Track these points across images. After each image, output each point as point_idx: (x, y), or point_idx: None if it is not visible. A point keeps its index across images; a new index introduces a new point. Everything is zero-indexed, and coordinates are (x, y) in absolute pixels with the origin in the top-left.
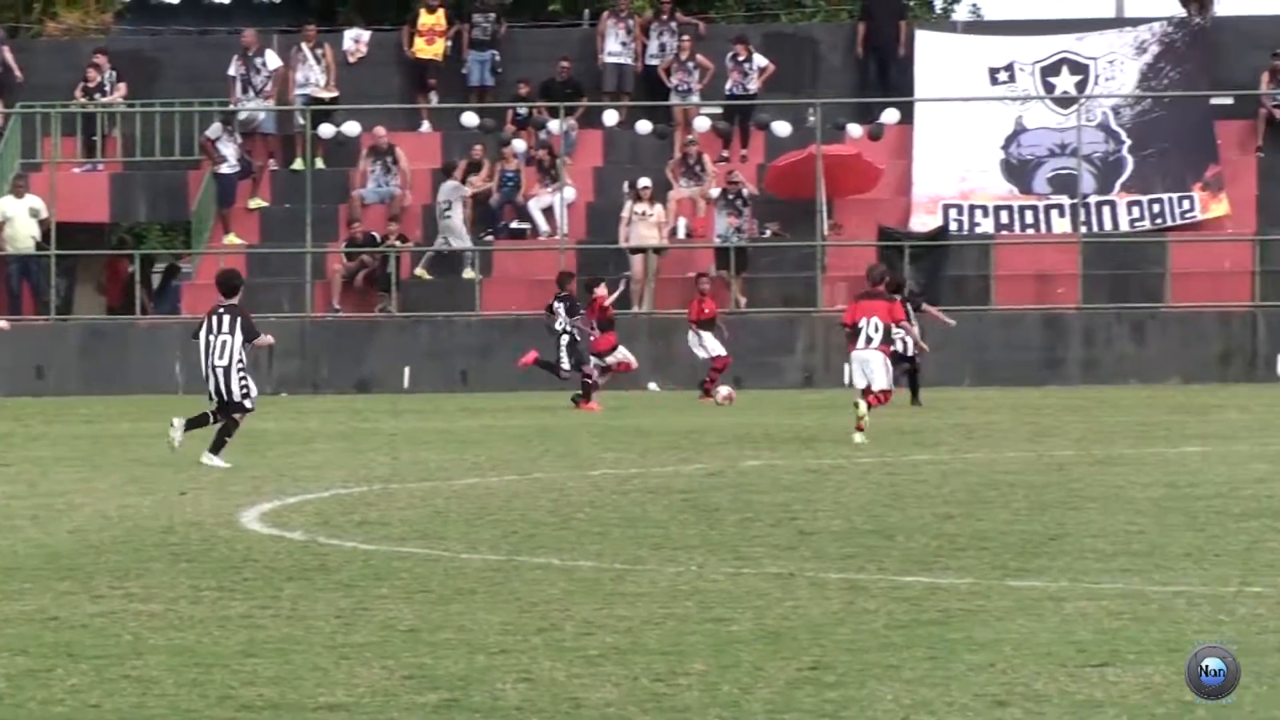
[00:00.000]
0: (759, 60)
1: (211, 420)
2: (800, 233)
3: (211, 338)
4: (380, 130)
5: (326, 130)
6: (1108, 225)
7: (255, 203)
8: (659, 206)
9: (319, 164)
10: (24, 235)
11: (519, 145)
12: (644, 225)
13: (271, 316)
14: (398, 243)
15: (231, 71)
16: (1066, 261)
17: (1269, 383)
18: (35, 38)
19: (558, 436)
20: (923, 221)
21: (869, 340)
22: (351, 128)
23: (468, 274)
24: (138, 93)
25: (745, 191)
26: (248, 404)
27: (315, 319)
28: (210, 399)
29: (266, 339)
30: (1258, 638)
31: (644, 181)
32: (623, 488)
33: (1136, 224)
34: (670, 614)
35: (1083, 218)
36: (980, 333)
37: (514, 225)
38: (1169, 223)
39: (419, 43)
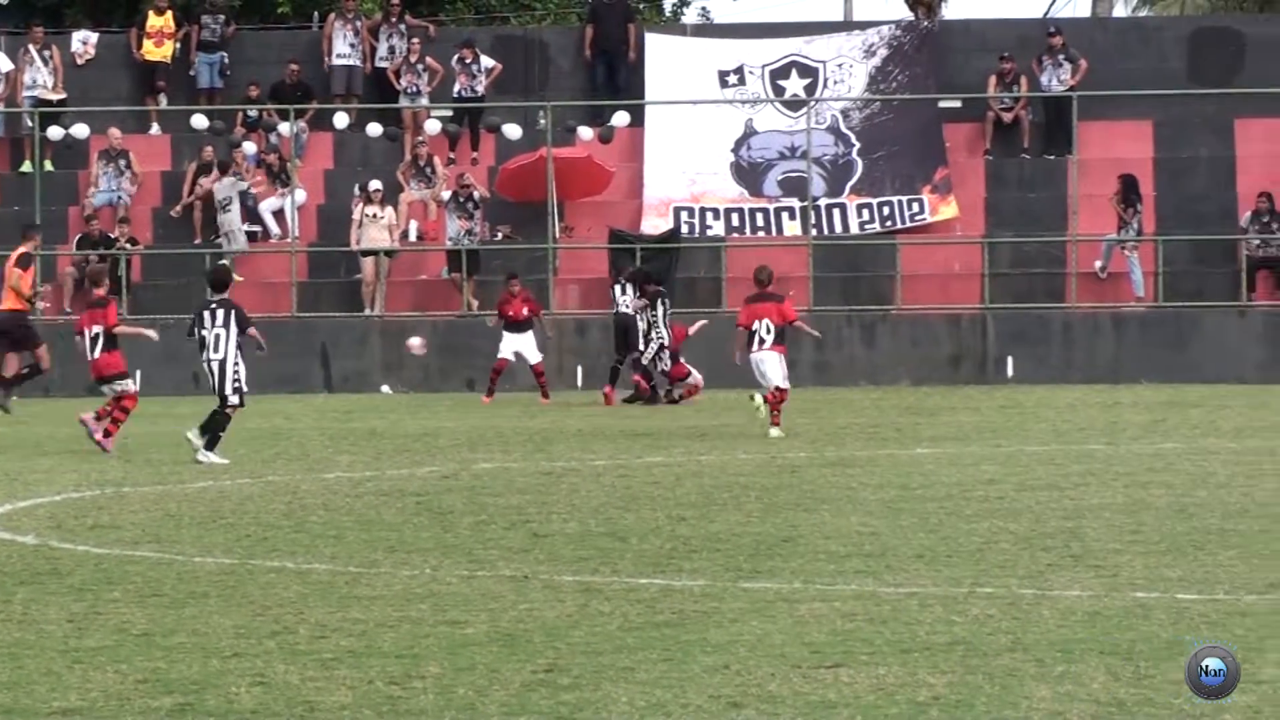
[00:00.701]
0: (486, 62)
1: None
2: (532, 235)
3: (206, 333)
4: (115, 133)
5: (55, 132)
6: (838, 228)
7: None
8: (390, 209)
9: (48, 166)
10: None
11: (249, 148)
12: (375, 228)
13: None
14: (128, 245)
15: None
16: (797, 263)
17: (999, 385)
18: None
19: (290, 439)
20: (654, 224)
21: (761, 342)
22: (81, 130)
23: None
24: None
25: (476, 194)
26: (235, 399)
27: (45, 322)
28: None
29: (256, 333)
30: (989, 638)
31: (374, 184)
32: (356, 490)
33: (866, 226)
34: (405, 617)
35: (813, 220)
36: (712, 335)
37: (246, 228)
38: (899, 225)
39: (147, 45)
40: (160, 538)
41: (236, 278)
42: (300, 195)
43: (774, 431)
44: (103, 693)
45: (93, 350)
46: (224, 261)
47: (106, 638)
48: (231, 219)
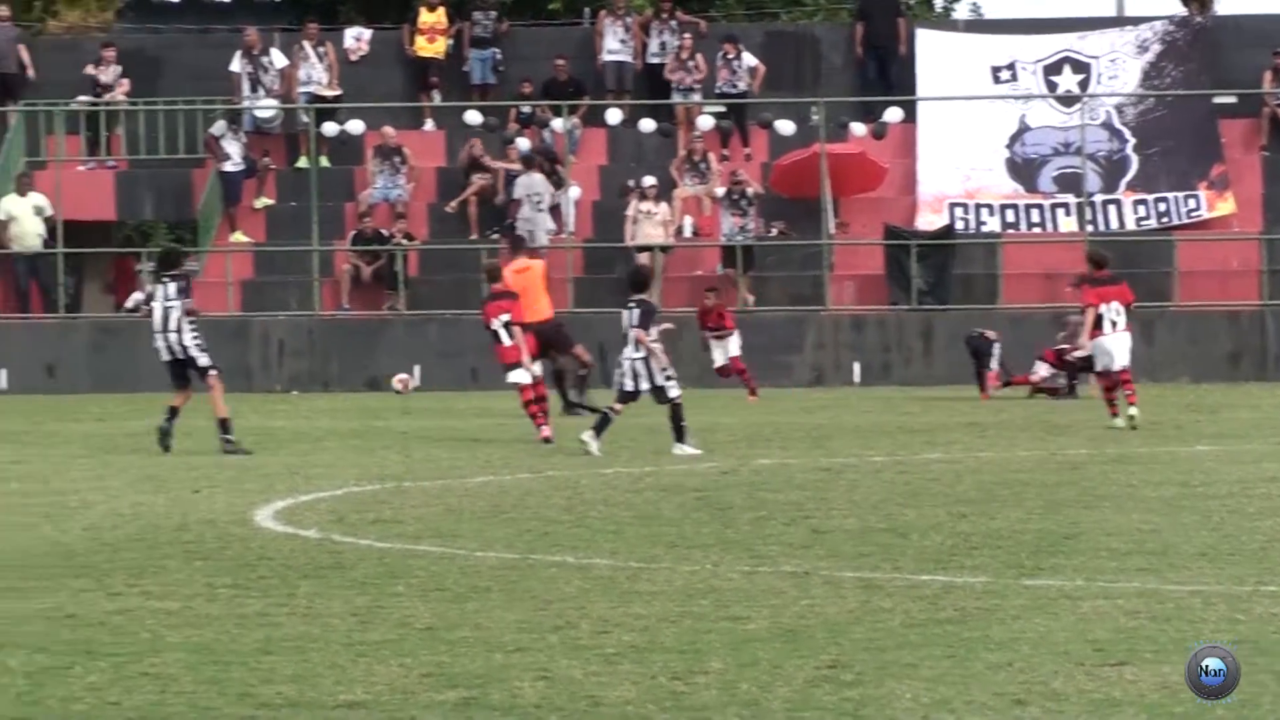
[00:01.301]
0: (748, 59)
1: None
2: (806, 231)
3: (156, 305)
4: (389, 130)
5: (330, 129)
6: (1114, 224)
7: (261, 201)
8: (664, 205)
9: (324, 162)
10: (30, 234)
11: (523, 144)
12: (650, 224)
13: (280, 314)
14: (405, 241)
15: (236, 68)
16: (1073, 260)
17: (1279, 382)
18: (36, 36)
19: (570, 435)
20: (928, 220)
21: (1113, 324)
22: (355, 126)
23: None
24: (141, 91)
25: (750, 190)
26: (675, 391)
27: (324, 317)
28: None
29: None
30: (1274, 637)
31: (649, 180)
32: (636, 486)
33: (1143, 223)
34: (687, 612)
35: (1089, 216)
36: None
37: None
38: (1175, 221)
39: (420, 41)
40: (442, 532)
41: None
42: (575, 192)
43: (1132, 410)
44: (387, 686)
45: (505, 338)
46: (643, 262)
47: (390, 632)
48: (536, 216)
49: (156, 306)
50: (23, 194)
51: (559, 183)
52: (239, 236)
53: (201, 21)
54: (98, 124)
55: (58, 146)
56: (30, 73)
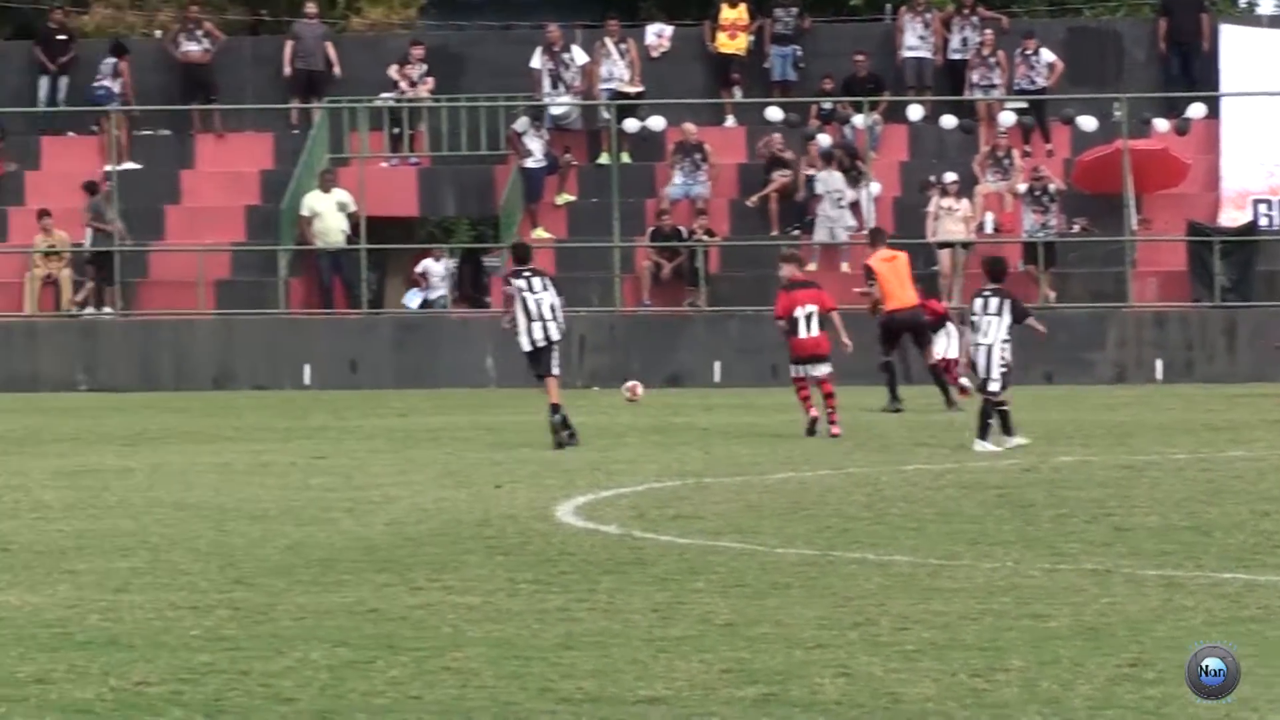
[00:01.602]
0: (1046, 55)
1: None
2: (1108, 227)
3: (977, 318)
4: (690, 126)
5: (631, 125)
6: None
7: (563, 198)
8: (965, 201)
9: (625, 158)
10: (334, 230)
11: (824, 140)
12: (951, 220)
13: (582, 310)
14: (705, 237)
15: (536, 65)
16: None
17: None
18: (340, 33)
19: (871, 432)
20: (1231, 217)
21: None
22: (656, 122)
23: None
24: (444, 87)
25: (1052, 186)
26: (996, 386)
27: (625, 313)
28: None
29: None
30: None
31: (950, 176)
32: (937, 483)
33: None
34: (987, 610)
35: None
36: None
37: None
38: None
39: (721, 37)
40: (742, 528)
41: (810, 267)
42: (875, 188)
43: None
44: (687, 682)
45: (805, 329)
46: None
47: (690, 627)
48: (836, 212)
49: (529, 298)
50: (326, 190)
51: (856, 179)
52: (540, 233)
53: (504, 18)
54: (401, 120)
55: (361, 143)
56: (336, 70)
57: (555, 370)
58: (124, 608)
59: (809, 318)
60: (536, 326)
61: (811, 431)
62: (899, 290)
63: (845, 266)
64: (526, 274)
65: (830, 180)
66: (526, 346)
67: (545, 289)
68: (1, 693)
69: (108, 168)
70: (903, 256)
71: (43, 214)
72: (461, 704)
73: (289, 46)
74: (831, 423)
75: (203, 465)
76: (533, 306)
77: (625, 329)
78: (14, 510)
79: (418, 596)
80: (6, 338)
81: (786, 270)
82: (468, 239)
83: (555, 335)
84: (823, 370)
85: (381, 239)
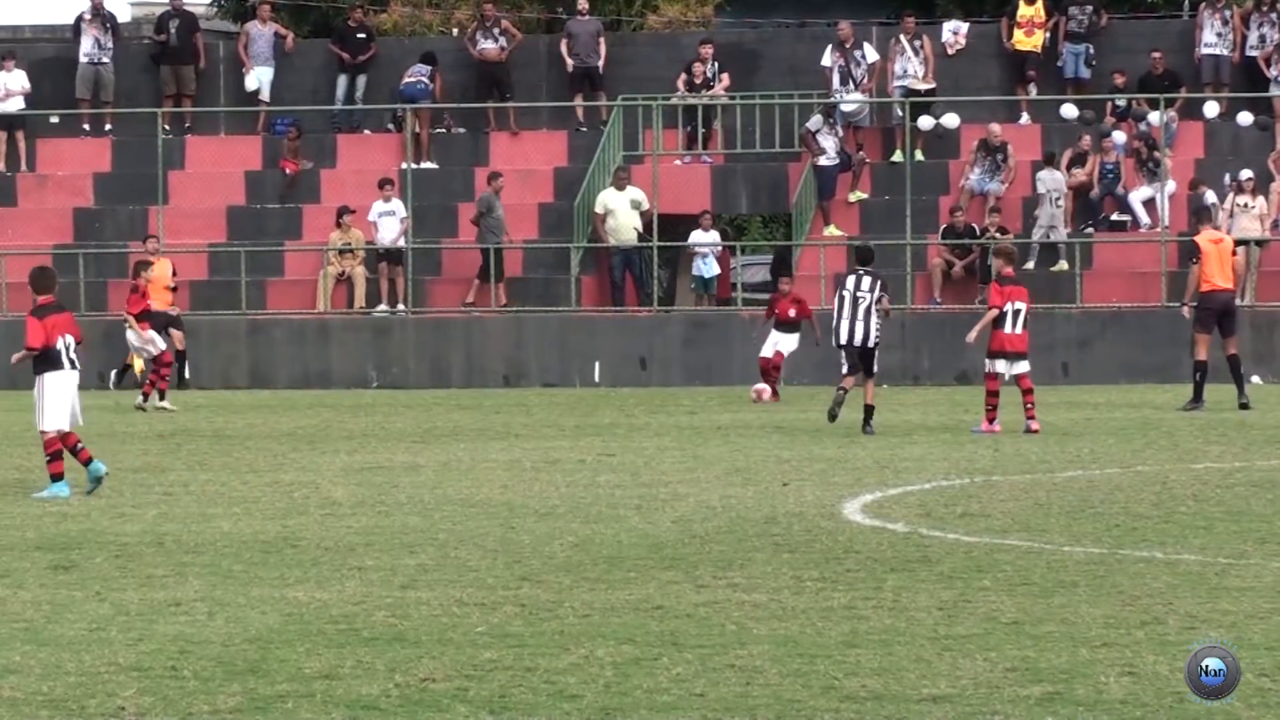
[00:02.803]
0: None
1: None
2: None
3: (847, 294)
4: (995, 128)
5: (925, 122)
6: None
7: (855, 195)
8: (1260, 198)
9: (918, 156)
10: (626, 227)
11: (1119, 137)
12: (1246, 217)
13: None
14: (998, 235)
15: (827, 62)
16: None
17: None
18: (636, 30)
19: (1160, 429)
20: None
21: None
22: (950, 120)
23: (1061, 266)
24: (738, 85)
25: None
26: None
27: (917, 311)
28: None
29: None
30: None
31: (1245, 173)
32: (1226, 481)
33: None
34: (1276, 609)
35: None
36: None
37: (1114, 218)
38: None
39: (1018, 34)
40: (1029, 526)
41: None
42: (1170, 185)
43: None
44: (972, 680)
45: (1011, 325)
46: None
47: (976, 625)
48: (1054, 210)
49: (847, 295)
50: (620, 188)
51: (1153, 175)
52: (832, 230)
53: (799, 15)
54: (695, 118)
55: (655, 141)
56: (602, 65)
57: (873, 370)
58: (410, 604)
59: (1017, 314)
60: (859, 325)
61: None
62: (1220, 271)
63: (1063, 265)
64: (860, 273)
65: (1050, 180)
66: (843, 340)
67: (872, 290)
68: (288, 688)
69: (404, 165)
70: (1229, 239)
71: (343, 211)
72: (745, 701)
73: (564, 44)
74: (1030, 418)
75: (491, 462)
76: (849, 308)
77: (915, 327)
78: (303, 506)
79: (703, 594)
80: (300, 335)
81: (998, 265)
82: (759, 236)
83: (871, 341)
84: (1022, 367)
85: (673, 236)
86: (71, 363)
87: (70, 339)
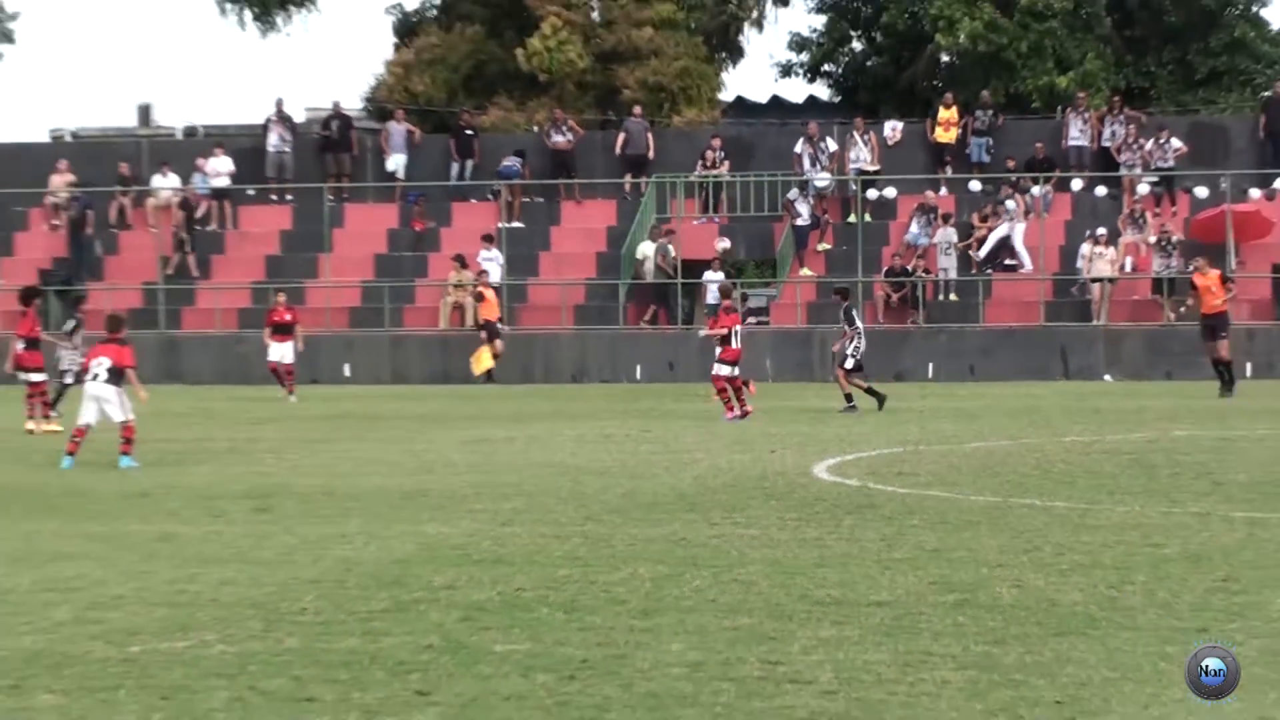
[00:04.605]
0: (1175, 142)
1: None
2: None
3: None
4: (931, 193)
5: (872, 194)
6: None
7: (822, 246)
8: (1111, 248)
9: (867, 218)
10: (657, 269)
11: (1010, 205)
12: (1101, 262)
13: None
14: (923, 274)
15: (799, 151)
16: None
17: None
18: (665, 127)
19: (1038, 414)
20: None
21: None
22: (890, 192)
23: (952, 297)
24: (737, 166)
25: (1174, 238)
26: None
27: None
28: None
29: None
30: None
31: (1101, 230)
32: (1087, 450)
33: None
34: (1120, 540)
35: None
36: None
37: (1008, 261)
38: None
39: (938, 130)
40: (946, 481)
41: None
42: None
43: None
44: (905, 590)
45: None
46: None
47: (908, 552)
48: (946, 259)
49: (853, 328)
50: (653, 240)
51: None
52: (805, 271)
53: (780, 117)
54: (708, 190)
55: (679, 206)
56: (651, 154)
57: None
58: (508, 536)
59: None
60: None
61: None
62: (1208, 301)
63: (954, 296)
64: (851, 309)
65: (945, 234)
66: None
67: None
68: (421, 595)
69: (500, 225)
70: (1213, 275)
71: (457, 257)
72: (745, 604)
73: (620, 137)
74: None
75: (563, 436)
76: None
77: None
78: (431, 467)
79: (714, 529)
80: (427, 346)
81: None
82: (753, 276)
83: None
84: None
85: (692, 275)
86: (92, 374)
87: (106, 360)
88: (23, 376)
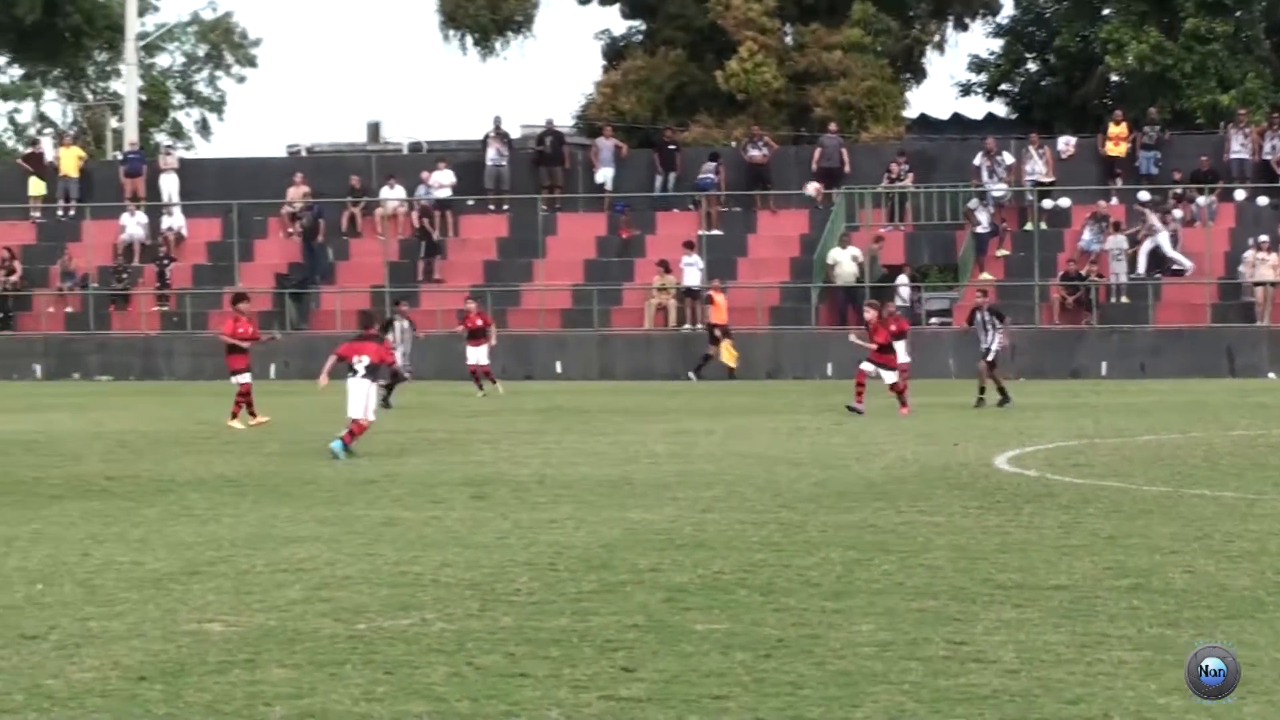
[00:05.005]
0: None
1: None
2: None
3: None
4: (1103, 203)
5: (1047, 204)
6: None
7: (1000, 252)
8: (1273, 254)
9: (1042, 226)
10: (847, 273)
11: (1178, 214)
12: (1264, 267)
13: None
14: (1097, 278)
15: (977, 163)
16: None
17: None
18: (853, 142)
19: (1206, 408)
20: None
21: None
22: (1064, 202)
23: (1124, 300)
24: (921, 179)
25: None
26: None
27: (1041, 329)
28: None
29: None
30: None
31: (1264, 237)
32: (1253, 443)
33: None
34: None
35: None
36: None
37: (1175, 266)
38: None
39: (1109, 145)
40: (1120, 472)
41: None
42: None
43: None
44: (1082, 575)
45: None
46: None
47: (1084, 539)
48: (1116, 264)
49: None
50: (844, 247)
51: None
52: (985, 276)
53: (961, 132)
54: (894, 201)
55: (867, 216)
56: (847, 168)
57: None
58: (708, 522)
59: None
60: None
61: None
62: None
63: (1125, 299)
64: (989, 308)
65: (1116, 241)
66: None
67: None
68: (627, 577)
69: (700, 232)
70: None
71: (661, 262)
72: (931, 588)
73: (817, 152)
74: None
75: (760, 429)
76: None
77: (1041, 339)
78: (635, 457)
79: (901, 516)
80: (632, 344)
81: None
82: (937, 280)
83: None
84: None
85: (879, 279)
86: (354, 371)
87: (366, 358)
88: (235, 380)
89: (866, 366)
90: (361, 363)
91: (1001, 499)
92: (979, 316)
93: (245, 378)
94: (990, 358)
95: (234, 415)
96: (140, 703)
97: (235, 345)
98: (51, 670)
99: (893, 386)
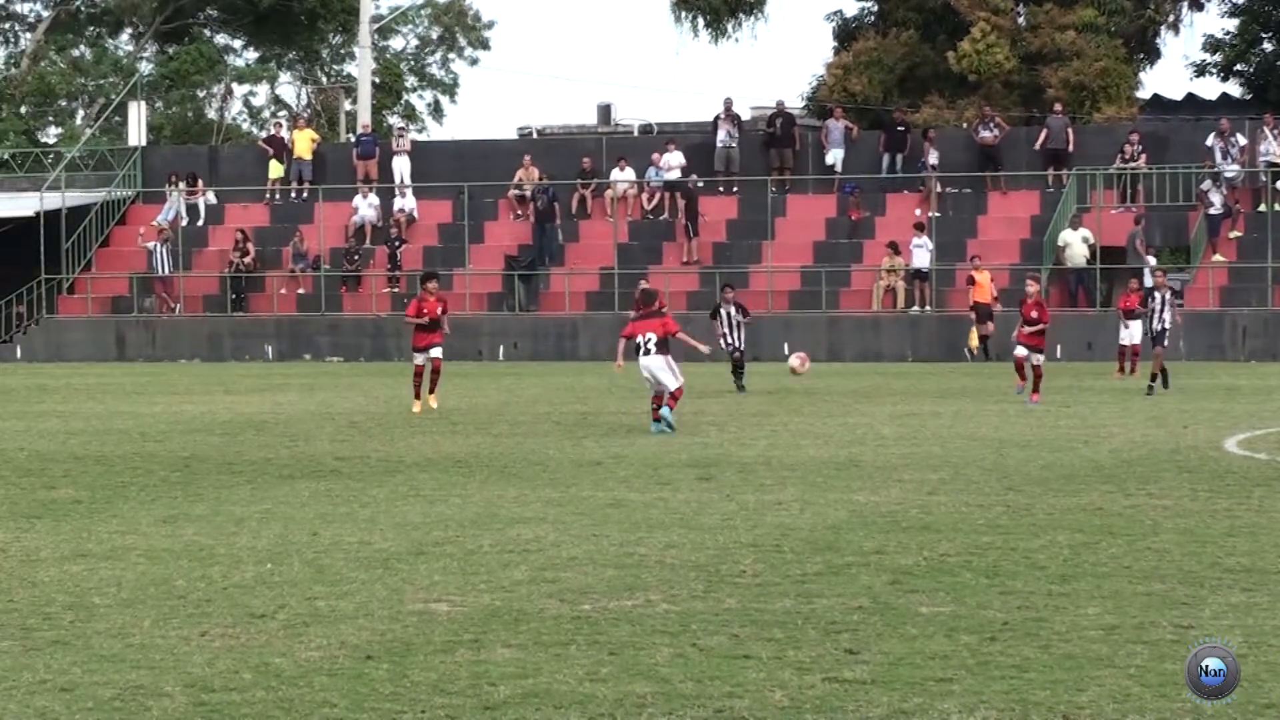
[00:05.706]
0: None
1: None
2: None
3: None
4: None
5: None
6: None
7: (1234, 234)
8: None
9: (1277, 207)
10: (1078, 255)
11: None
12: None
13: (1244, 309)
14: None
15: (1211, 144)
16: None
17: None
18: (1086, 124)
19: None
20: None
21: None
22: None
23: None
24: (1154, 159)
25: None
26: None
27: (1276, 310)
28: None
29: None
30: None
31: None
32: None
33: None
34: None
35: None
36: None
37: None
38: None
39: None
40: None
41: None
42: None
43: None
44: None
45: None
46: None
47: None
48: None
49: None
50: (1074, 228)
51: None
52: (1218, 258)
53: (1195, 113)
54: (1125, 182)
55: (1099, 197)
56: (1070, 148)
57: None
58: (933, 505)
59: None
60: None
61: None
62: None
63: None
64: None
65: None
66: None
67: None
68: (853, 559)
69: (930, 214)
70: None
71: (890, 244)
72: (1158, 571)
73: (1043, 133)
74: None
75: (988, 411)
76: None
77: (1275, 322)
78: (862, 439)
79: (1129, 499)
80: (860, 326)
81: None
82: (1167, 262)
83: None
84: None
85: (1110, 261)
86: (643, 349)
87: (652, 335)
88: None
89: (1019, 351)
90: (649, 340)
91: (1231, 482)
92: (1158, 296)
93: (420, 358)
94: (1166, 341)
95: (430, 393)
96: (366, 681)
97: (419, 324)
98: (279, 649)
99: (1035, 369)
